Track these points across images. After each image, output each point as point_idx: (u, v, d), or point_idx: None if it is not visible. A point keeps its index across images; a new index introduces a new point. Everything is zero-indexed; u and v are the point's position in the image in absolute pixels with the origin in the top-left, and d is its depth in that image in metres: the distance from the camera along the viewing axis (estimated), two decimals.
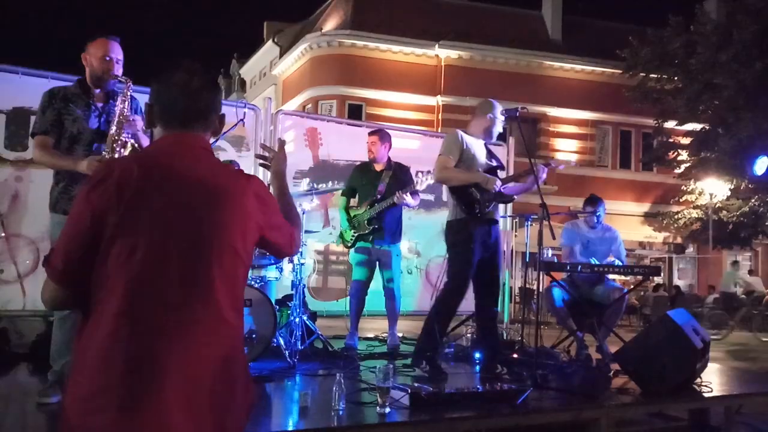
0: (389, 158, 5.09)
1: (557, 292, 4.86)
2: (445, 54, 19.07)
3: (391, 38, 18.66)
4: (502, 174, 4.14)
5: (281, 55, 22.46)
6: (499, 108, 4.11)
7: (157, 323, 1.35)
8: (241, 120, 4.13)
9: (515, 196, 4.20)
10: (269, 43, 24.50)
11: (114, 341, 1.32)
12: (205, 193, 1.45)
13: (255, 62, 27.20)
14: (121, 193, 1.39)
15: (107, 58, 3.05)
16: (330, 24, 19.74)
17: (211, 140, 1.64)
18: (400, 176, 5.00)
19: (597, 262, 4.91)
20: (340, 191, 5.30)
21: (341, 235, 5.15)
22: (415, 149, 6.73)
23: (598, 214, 5.17)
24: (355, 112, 18.40)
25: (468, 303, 6.49)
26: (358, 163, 5.58)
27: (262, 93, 23.80)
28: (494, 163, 4.10)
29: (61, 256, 1.41)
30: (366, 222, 4.93)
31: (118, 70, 3.08)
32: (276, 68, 22.53)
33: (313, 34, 19.49)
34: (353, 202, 5.19)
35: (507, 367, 3.98)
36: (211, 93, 1.59)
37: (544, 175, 4.03)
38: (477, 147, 4.04)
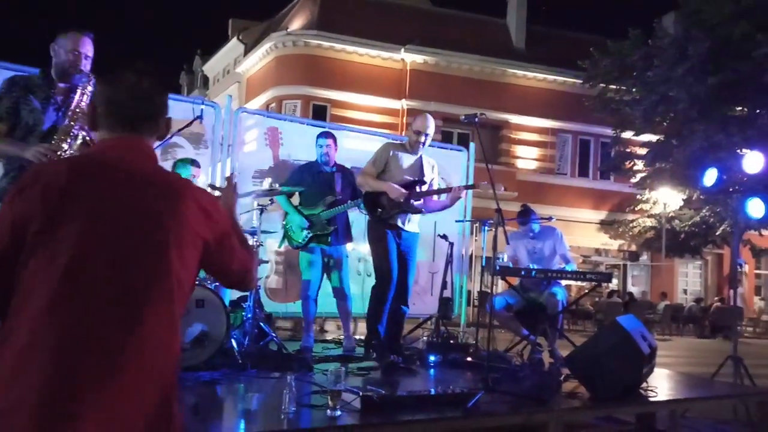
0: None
1: (497, 298, 5.08)
2: (410, 58, 19.15)
3: (357, 40, 18.65)
4: (423, 186, 4.57)
5: (246, 52, 22.24)
6: (425, 124, 4.51)
7: (80, 342, 1.23)
8: (198, 117, 4.06)
9: (424, 210, 4.59)
10: (234, 40, 24.25)
11: (28, 357, 1.21)
12: (142, 200, 1.37)
13: (219, 59, 26.87)
14: (47, 199, 1.30)
15: (75, 53, 2.99)
16: (296, 23, 19.63)
17: (156, 144, 1.56)
18: (350, 178, 5.08)
19: (545, 267, 5.04)
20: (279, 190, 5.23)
21: (287, 236, 5.07)
22: None
23: (533, 225, 5.35)
24: (319, 112, 18.31)
25: (426, 306, 6.59)
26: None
27: (226, 90, 23.51)
28: (414, 178, 4.52)
29: None
30: (326, 222, 4.91)
31: (86, 66, 3.02)
32: (240, 66, 22.28)
33: (278, 33, 19.34)
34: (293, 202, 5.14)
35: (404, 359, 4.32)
36: (161, 95, 1.52)
37: (462, 195, 4.55)
38: (406, 160, 4.54)
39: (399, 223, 4.46)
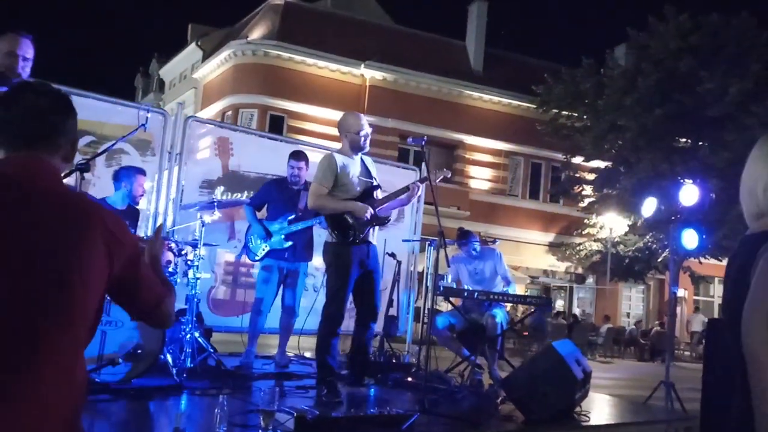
0: None
1: (439, 318, 5.09)
2: (370, 74, 19.26)
3: (317, 53, 18.66)
4: (378, 190, 4.17)
5: (204, 59, 21.97)
6: (360, 122, 4.11)
7: None
8: (142, 125, 3.97)
9: (389, 216, 4.25)
10: (192, 45, 23.94)
11: None
12: (43, 219, 1.30)
13: (176, 64, 26.45)
14: None
15: (13, 55, 2.89)
16: (257, 33, 19.51)
17: (63, 167, 1.50)
18: None
19: (486, 287, 5.13)
20: (247, 202, 5.21)
21: (248, 247, 5.04)
22: None
23: (473, 247, 5.40)
24: (276, 123, 18.20)
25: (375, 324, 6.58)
26: (269, 176, 5.56)
27: (181, 96, 23.15)
28: (368, 182, 4.10)
29: None
30: (284, 238, 4.90)
31: (25, 68, 2.92)
32: (197, 72, 21.98)
33: (238, 41, 19.19)
34: (259, 216, 5.12)
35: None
36: (61, 115, 1.46)
37: (419, 192, 4.17)
38: (352, 166, 4.08)
39: (369, 238, 4.07)
